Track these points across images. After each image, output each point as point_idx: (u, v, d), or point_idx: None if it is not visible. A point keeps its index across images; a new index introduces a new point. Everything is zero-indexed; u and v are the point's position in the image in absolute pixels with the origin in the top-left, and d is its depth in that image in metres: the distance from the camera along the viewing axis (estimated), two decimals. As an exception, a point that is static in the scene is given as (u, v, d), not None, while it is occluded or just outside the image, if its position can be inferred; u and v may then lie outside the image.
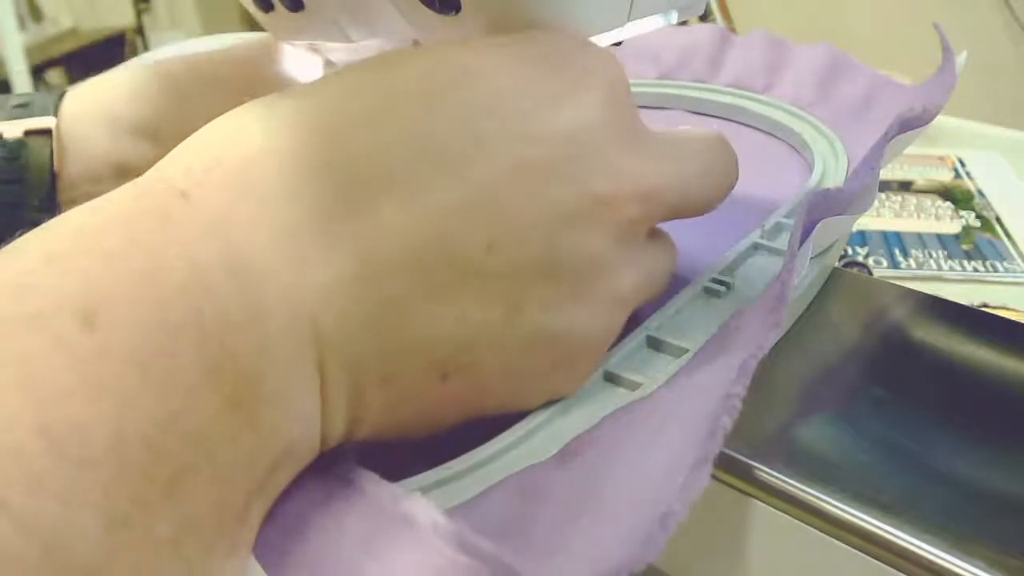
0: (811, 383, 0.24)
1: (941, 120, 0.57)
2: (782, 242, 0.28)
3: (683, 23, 0.27)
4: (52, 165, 0.30)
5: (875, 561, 0.19)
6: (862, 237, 0.50)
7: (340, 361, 0.18)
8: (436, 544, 0.15)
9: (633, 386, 0.22)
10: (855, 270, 0.43)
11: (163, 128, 0.32)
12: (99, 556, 0.13)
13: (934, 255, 0.48)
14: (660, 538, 0.16)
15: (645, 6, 0.24)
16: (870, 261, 0.48)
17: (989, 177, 0.56)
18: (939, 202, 0.54)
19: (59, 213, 0.17)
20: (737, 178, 0.24)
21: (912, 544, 0.18)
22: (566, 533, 0.18)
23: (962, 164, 0.58)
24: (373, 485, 0.17)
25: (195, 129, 0.19)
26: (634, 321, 0.24)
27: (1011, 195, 0.54)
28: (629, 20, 0.24)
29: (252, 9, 0.31)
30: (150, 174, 0.18)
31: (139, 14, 2.06)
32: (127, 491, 0.14)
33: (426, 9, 0.23)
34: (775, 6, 1.34)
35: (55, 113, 0.31)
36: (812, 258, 0.25)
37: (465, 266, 0.18)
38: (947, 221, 0.52)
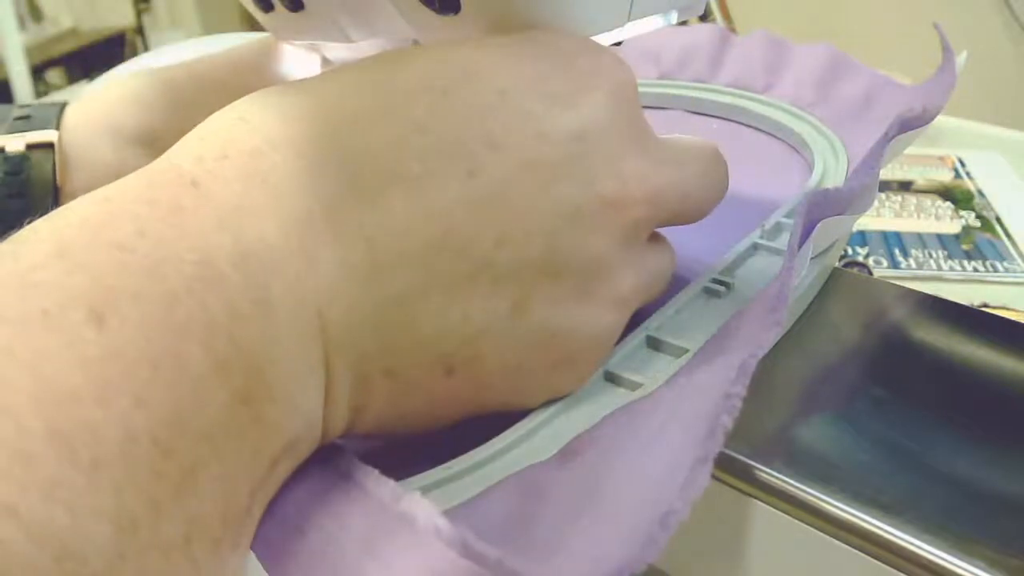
0: (811, 383, 0.24)
1: (941, 120, 0.57)
2: (782, 242, 0.28)
3: (683, 23, 0.27)
4: (55, 178, 0.30)
5: (875, 561, 0.19)
6: (862, 237, 0.50)
7: (345, 353, 0.18)
8: (439, 548, 0.15)
9: (633, 386, 0.22)
10: (855, 270, 0.43)
11: (165, 137, 0.32)
12: (110, 563, 0.13)
13: (934, 255, 0.48)
14: (661, 538, 0.16)
15: (645, 6, 0.24)
16: (870, 261, 0.48)
17: (989, 177, 0.56)
18: (939, 202, 0.54)
19: None
20: (727, 188, 0.25)
21: (912, 544, 0.18)
22: (566, 533, 0.18)
23: (962, 164, 0.58)
24: (373, 482, 0.17)
25: None
26: (634, 321, 0.24)
27: (1011, 195, 0.54)
28: (629, 20, 0.24)
29: (252, 9, 0.31)
30: (160, 162, 0.18)
31: (139, 14, 2.06)
32: (137, 493, 0.14)
33: (426, 9, 0.23)
34: (775, 6, 1.34)
35: (57, 126, 0.31)
36: (812, 258, 0.25)
37: (473, 261, 0.18)
38: (947, 221, 0.52)
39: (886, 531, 0.19)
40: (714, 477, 0.20)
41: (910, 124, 0.26)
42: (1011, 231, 0.50)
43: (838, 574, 0.20)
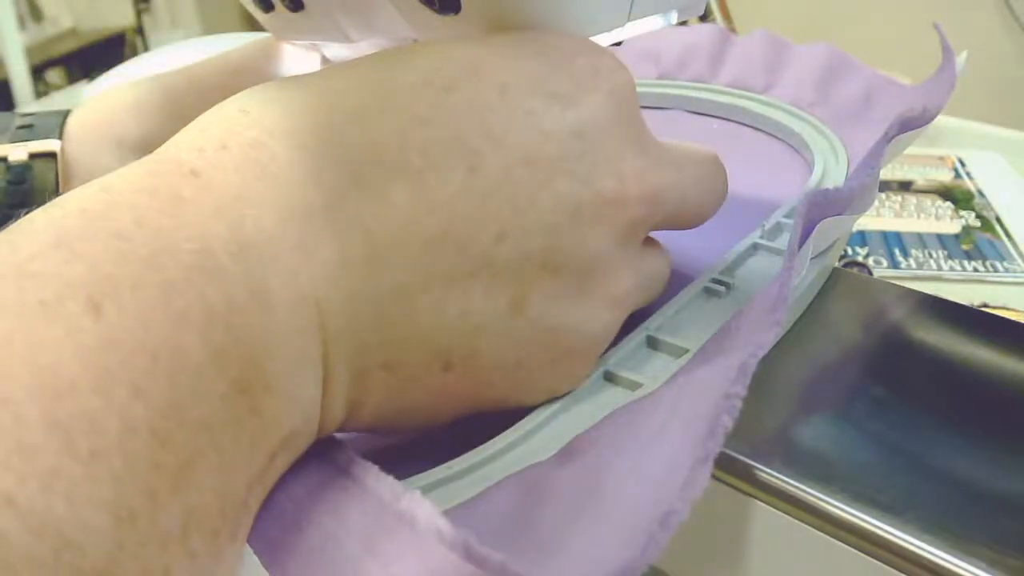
0: (811, 383, 0.24)
1: (941, 120, 0.57)
2: (782, 242, 0.28)
3: (683, 23, 0.27)
4: (57, 188, 0.30)
5: (875, 561, 0.19)
6: (862, 237, 0.50)
7: (343, 346, 0.18)
8: (440, 550, 0.15)
9: (633, 386, 0.22)
10: (855, 270, 0.43)
11: None
12: (108, 553, 0.13)
13: (934, 255, 0.48)
14: (661, 538, 0.16)
15: (645, 6, 0.24)
16: (870, 261, 0.48)
17: (989, 177, 0.56)
18: (939, 202, 0.54)
19: None
20: (726, 195, 0.25)
21: (912, 544, 0.18)
22: (566, 533, 0.18)
23: (962, 164, 0.58)
24: (372, 478, 0.17)
25: None
26: (634, 321, 0.24)
27: (1011, 195, 0.54)
28: (629, 20, 0.24)
29: (252, 9, 0.31)
30: (160, 152, 0.18)
31: (139, 14, 2.06)
32: (135, 484, 0.14)
33: (426, 9, 0.23)
34: (775, 6, 1.34)
35: (59, 135, 0.31)
36: (812, 258, 0.25)
37: (473, 256, 0.18)
38: (947, 221, 0.52)
39: (886, 531, 0.19)
40: (714, 477, 0.20)
41: (910, 124, 0.26)
42: (1011, 231, 0.50)
43: (838, 574, 0.20)
